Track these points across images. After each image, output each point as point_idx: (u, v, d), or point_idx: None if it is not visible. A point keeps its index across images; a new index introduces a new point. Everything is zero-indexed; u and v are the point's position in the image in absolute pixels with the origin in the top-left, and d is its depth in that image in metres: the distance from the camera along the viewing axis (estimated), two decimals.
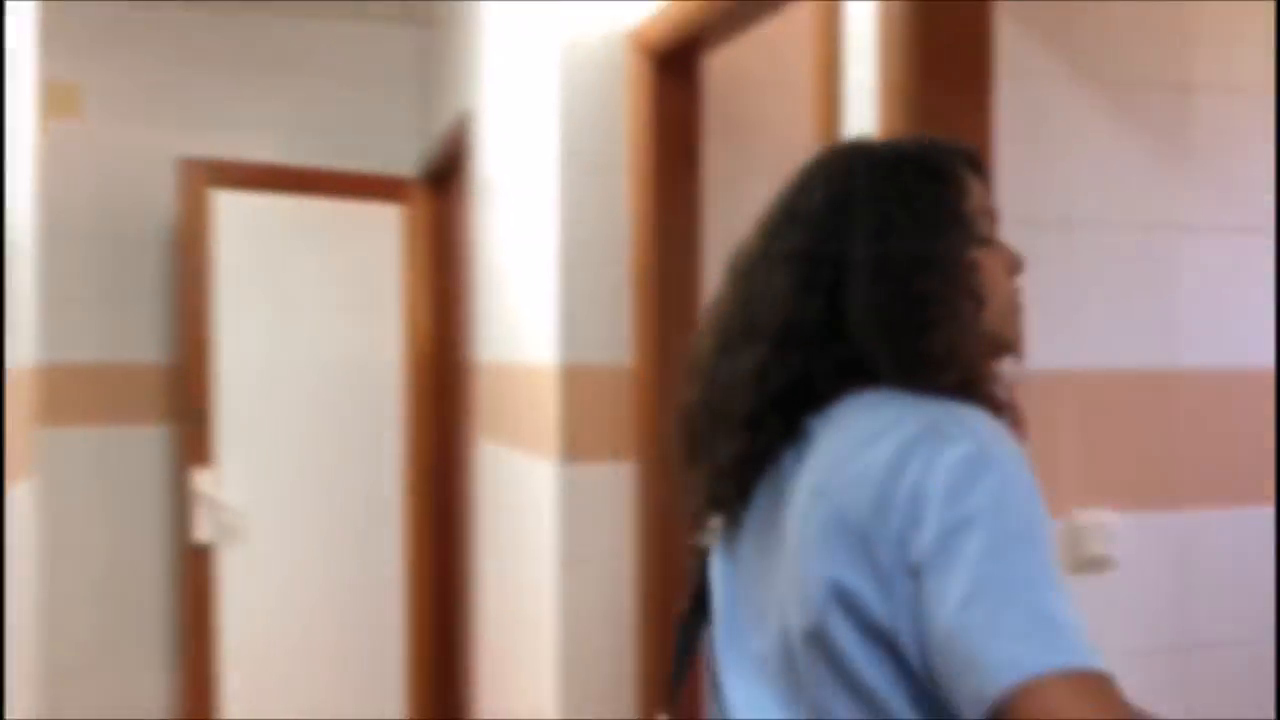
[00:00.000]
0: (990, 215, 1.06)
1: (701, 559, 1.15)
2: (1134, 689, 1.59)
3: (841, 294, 1.01)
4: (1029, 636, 0.84)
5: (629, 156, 2.43)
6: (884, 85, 1.49)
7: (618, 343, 2.43)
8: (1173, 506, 1.74)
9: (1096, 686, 0.84)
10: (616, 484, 2.42)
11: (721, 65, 2.52)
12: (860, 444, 0.95)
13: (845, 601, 0.92)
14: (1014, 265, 1.05)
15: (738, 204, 2.66)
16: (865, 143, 1.12)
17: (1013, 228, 1.20)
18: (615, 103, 2.44)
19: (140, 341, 3.77)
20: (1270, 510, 1.78)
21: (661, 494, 2.37)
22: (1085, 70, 1.73)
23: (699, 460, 1.11)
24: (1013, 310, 1.04)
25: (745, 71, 2.66)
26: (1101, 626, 1.56)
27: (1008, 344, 1.05)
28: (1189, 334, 1.77)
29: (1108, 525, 1.67)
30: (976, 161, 1.09)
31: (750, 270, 1.09)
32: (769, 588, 1.03)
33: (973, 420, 0.93)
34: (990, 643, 0.84)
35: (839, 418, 1.00)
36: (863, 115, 1.55)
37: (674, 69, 2.37)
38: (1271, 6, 1.82)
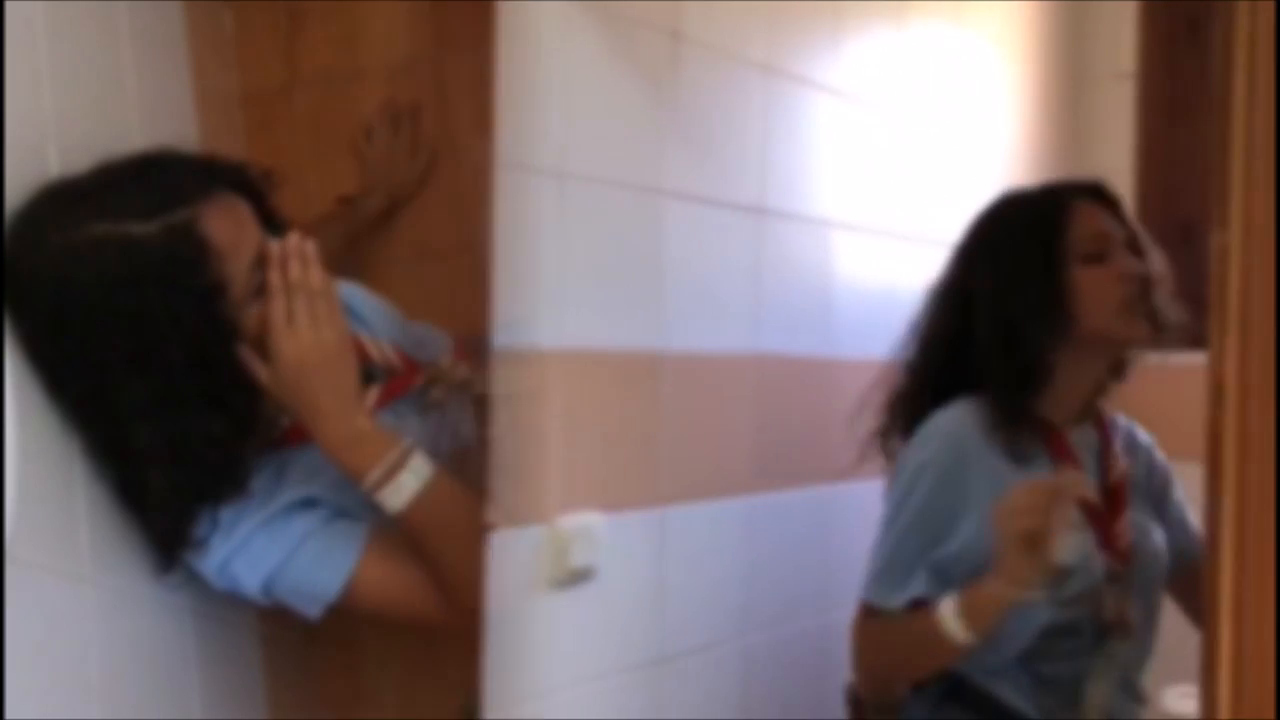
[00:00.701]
0: (1102, 237, 1.34)
1: None
2: (622, 708, 1.48)
3: (969, 317, 1.39)
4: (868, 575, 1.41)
5: None
6: None
7: None
8: (653, 504, 1.54)
9: (862, 616, 1.41)
10: None
11: None
12: None
13: None
14: (1127, 277, 1.32)
15: None
16: (1012, 189, 1.46)
17: (508, 174, 1.26)
18: None
19: None
20: (743, 501, 1.66)
21: None
22: None
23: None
24: (1119, 312, 1.31)
25: None
26: (588, 646, 1.42)
27: (1119, 341, 1.35)
28: (674, 314, 1.57)
29: (594, 530, 1.42)
30: (1097, 191, 1.40)
31: (933, 295, 1.48)
32: None
33: (936, 419, 1.38)
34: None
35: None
36: None
37: None
38: None
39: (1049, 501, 1.15)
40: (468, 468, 1.44)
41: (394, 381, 1.36)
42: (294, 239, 1.16)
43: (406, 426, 1.36)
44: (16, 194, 1.09)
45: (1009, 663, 1.32)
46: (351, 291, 1.43)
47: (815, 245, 1.80)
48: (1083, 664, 1.33)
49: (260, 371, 1.15)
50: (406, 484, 1.19)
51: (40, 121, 1.15)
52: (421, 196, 1.84)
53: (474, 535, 1.23)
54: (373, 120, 1.85)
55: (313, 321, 1.14)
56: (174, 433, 1.11)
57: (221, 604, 1.28)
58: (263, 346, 1.16)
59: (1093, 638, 1.33)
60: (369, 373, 1.37)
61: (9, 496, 0.97)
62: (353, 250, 1.77)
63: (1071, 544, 1.17)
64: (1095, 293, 1.31)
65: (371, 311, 1.43)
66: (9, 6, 1.07)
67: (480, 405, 1.46)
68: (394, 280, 1.77)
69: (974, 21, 2.14)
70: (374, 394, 1.33)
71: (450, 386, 1.43)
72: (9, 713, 0.95)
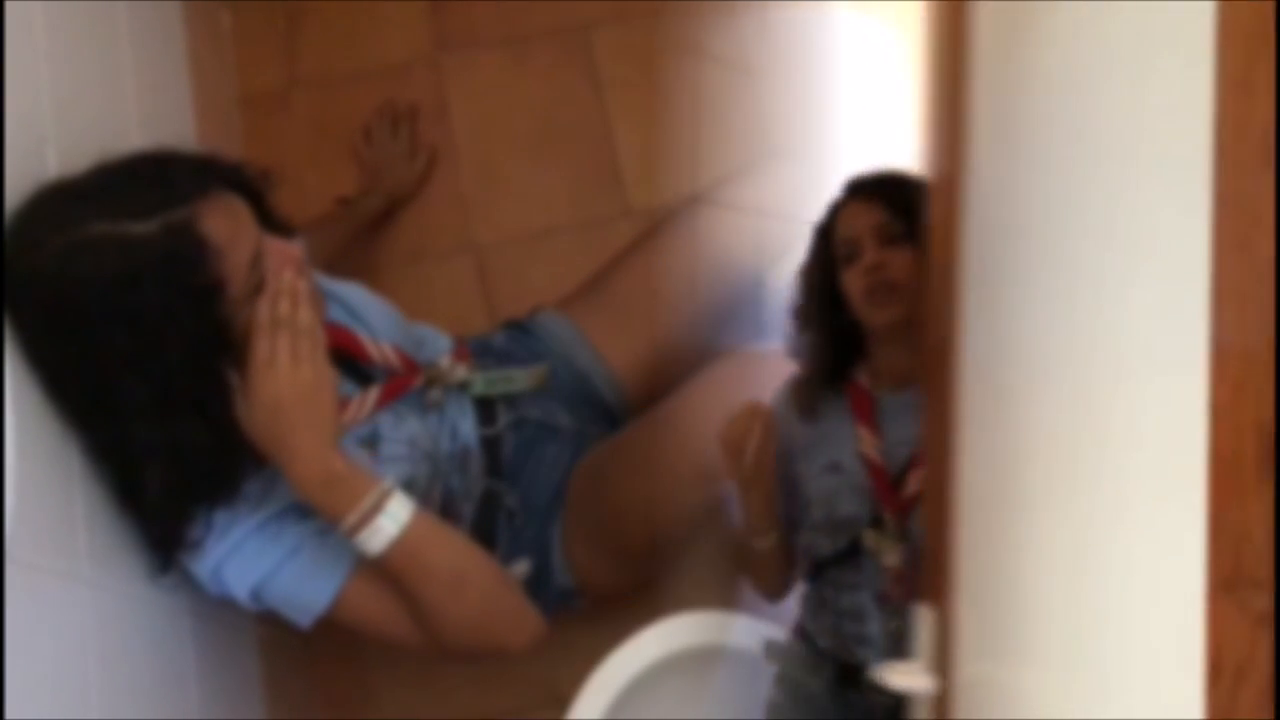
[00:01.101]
0: (850, 240, 1.38)
1: None
2: None
3: None
4: None
5: None
6: None
7: None
8: None
9: None
10: None
11: None
12: None
13: None
14: (868, 269, 1.36)
15: None
16: None
17: None
18: None
19: None
20: None
21: None
22: None
23: None
24: (863, 304, 1.37)
25: None
26: None
27: (875, 330, 1.40)
28: None
29: None
30: (862, 185, 1.42)
31: None
32: None
33: None
34: None
35: None
36: None
37: None
38: None
39: (746, 425, 1.39)
40: (468, 468, 1.44)
41: (394, 382, 1.36)
42: (287, 277, 1.15)
43: (406, 427, 1.36)
44: (16, 194, 1.08)
45: (808, 585, 1.50)
46: (351, 291, 1.43)
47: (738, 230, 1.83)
48: (861, 600, 1.42)
49: (238, 402, 1.13)
50: (384, 528, 1.15)
51: (39, 121, 1.15)
52: (421, 196, 1.85)
53: (456, 577, 1.23)
54: (371, 121, 1.86)
55: (293, 359, 1.12)
56: (170, 432, 1.11)
57: (219, 605, 1.27)
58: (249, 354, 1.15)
59: (874, 579, 1.42)
60: (368, 374, 1.36)
61: (8, 497, 0.97)
62: (352, 250, 1.77)
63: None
64: (851, 290, 1.42)
65: (371, 311, 1.43)
66: (9, 6, 1.07)
67: (480, 405, 1.46)
68: (394, 280, 1.77)
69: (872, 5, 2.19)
70: (374, 395, 1.33)
71: (449, 386, 1.43)
72: (9, 713, 0.94)
